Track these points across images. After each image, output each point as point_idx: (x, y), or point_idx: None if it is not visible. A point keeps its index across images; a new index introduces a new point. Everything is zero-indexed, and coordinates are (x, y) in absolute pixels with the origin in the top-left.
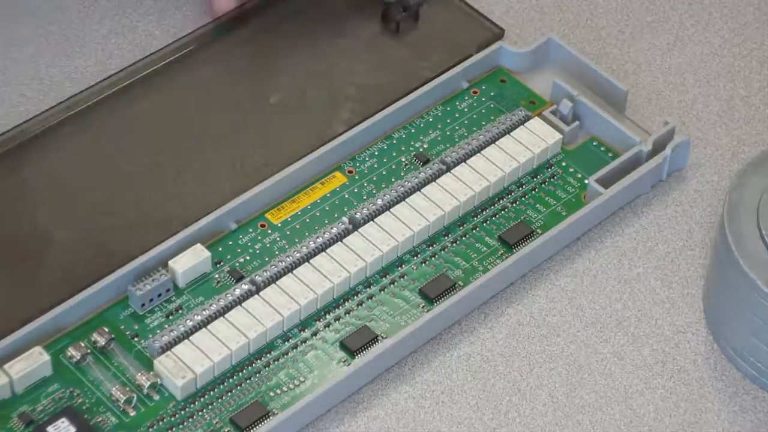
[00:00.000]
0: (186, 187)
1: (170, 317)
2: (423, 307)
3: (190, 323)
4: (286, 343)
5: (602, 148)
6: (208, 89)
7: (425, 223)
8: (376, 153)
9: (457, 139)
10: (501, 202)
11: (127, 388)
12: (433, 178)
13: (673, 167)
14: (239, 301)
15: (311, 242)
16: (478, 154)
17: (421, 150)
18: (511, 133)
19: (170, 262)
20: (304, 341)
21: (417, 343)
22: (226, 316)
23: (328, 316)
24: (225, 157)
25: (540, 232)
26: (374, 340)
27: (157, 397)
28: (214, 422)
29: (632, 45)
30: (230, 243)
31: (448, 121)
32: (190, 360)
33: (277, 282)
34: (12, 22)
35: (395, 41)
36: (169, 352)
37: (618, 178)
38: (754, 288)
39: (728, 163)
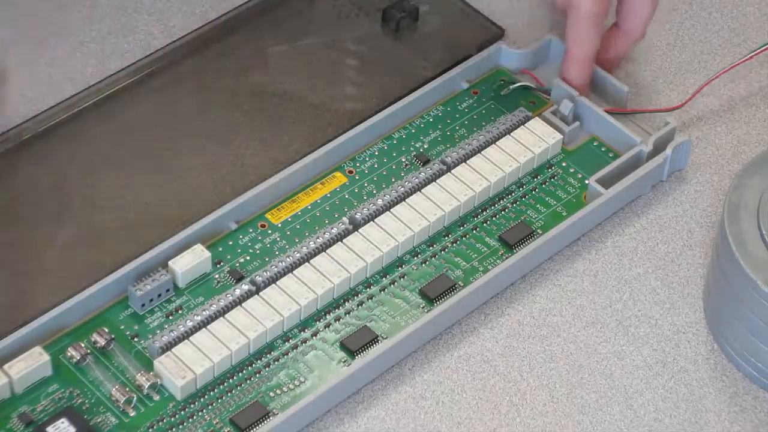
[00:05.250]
0: (186, 187)
1: (170, 317)
2: (423, 307)
3: (190, 323)
4: (286, 343)
5: (603, 149)
6: (208, 89)
7: (425, 224)
8: (376, 153)
9: (457, 140)
10: (501, 202)
11: (127, 389)
12: (434, 178)
13: (673, 167)
14: (239, 301)
15: (311, 242)
16: (479, 155)
17: (421, 150)
18: (512, 134)
19: (170, 262)
20: (304, 341)
21: (417, 343)
22: (226, 316)
23: (328, 317)
24: (225, 157)
25: (540, 232)
26: (374, 340)
27: (157, 398)
28: (214, 422)
29: None
30: (230, 243)
31: (448, 121)
32: (190, 360)
33: (277, 282)
34: (12, 22)
35: (395, 41)
36: (169, 353)
37: (618, 178)
38: (754, 288)
39: (728, 163)
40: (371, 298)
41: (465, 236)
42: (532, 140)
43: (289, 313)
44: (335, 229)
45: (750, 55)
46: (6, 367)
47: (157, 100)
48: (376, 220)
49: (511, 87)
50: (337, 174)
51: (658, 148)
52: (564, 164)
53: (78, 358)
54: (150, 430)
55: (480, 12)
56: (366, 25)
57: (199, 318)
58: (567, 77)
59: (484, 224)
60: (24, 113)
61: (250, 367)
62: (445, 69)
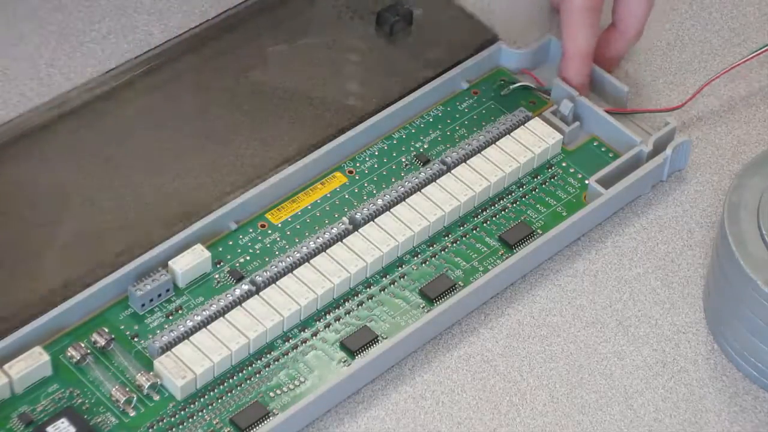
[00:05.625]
0: (186, 187)
1: (170, 317)
2: (423, 307)
3: (190, 323)
4: (286, 343)
5: (603, 149)
6: (208, 89)
7: (425, 224)
8: (376, 153)
9: (457, 140)
10: (501, 202)
11: (127, 389)
12: (434, 178)
13: (673, 167)
14: (239, 301)
15: (311, 242)
16: (479, 155)
17: (421, 150)
18: (512, 134)
19: (170, 262)
20: (304, 341)
21: (417, 343)
22: (226, 316)
23: (328, 317)
24: (225, 157)
25: (540, 232)
26: (374, 340)
27: (157, 398)
28: (214, 422)
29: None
30: (230, 243)
31: (448, 121)
32: (190, 360)
33: (277, 282)
34: (12, 22)
35: (390, 44)
36: (169, 353)
37: (618, 178)
38: (754, 288)
39: (728, 163)
40: (371, 298)
41: (465, 236)
42: (532, 140)
43: (289, 313)
44: (335, 229)
45: (750, 56)
46: (6, 367)
47: (157, 100)
48: (376, 220)
49: (511, 87)
50: (337, 174)
51: (658, 148)
52: (564, 164)
53: (78, 358)
54: (150, 430)
55: (474, 15)
56: (360, 28)
57: (199, 318)
58: (565, 76)
59: (484, 224)
60: (24, 113)
61: (250, 367)
62: (444, 69)
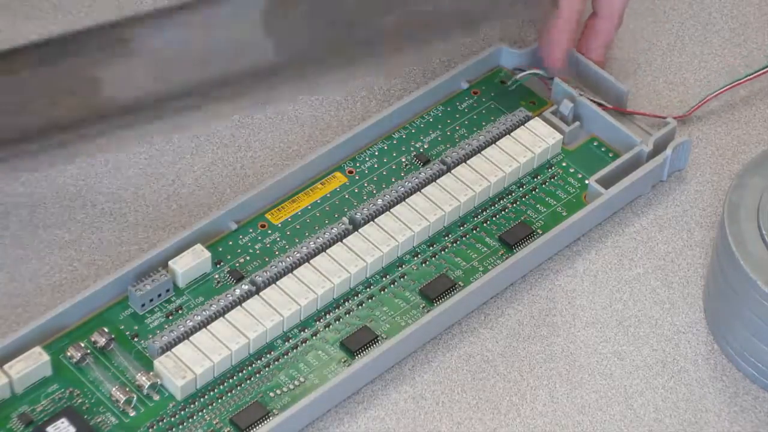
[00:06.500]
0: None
1: (170, 317)
2: (423, 307)
3: (190, 323)
4: (286, 343)
5: (603, 149)
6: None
7: (425, 224)
8: (376, 153)
9: (457, 140)
10: (501, 202)
11: (127, 389)
12: (434, 178)
13: (673, 167)
14: (239, 301)
15: (311, 242)
16: (479, 155)
17: (421, 150)
18: (512, 134)
19: (170, 262)
20: (304, 341)
21: (417, 343)
22: (226, 316)
23: (328, 317)
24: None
25: (540, 232)
26: (374, 340)
27: (157, 398)
28: (214, 422)
29: (632, 45)
30: (230, 243)
31: (448, 121)
32: (190, 360)
33: (277, 282)
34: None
35: None
36: (169, 353)
37: (618, 178)
38: (754, 288)
39: (728, 163)
40: (371, 298)
41: (465, 236)
42: (532, 140)
43: (289, 313)
44: (335, 229)
45: (753, 74)
46: (6, 367)
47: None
48: (376, 220)
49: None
50: (337, 174)
51: (658, 148)
52: (564, 164)
53: (78, 358)
54: (150, 430)
55: None
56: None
57: (199, 318)
58: (555, 38)
59: (484, 224)
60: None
61: (250, 367)
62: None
